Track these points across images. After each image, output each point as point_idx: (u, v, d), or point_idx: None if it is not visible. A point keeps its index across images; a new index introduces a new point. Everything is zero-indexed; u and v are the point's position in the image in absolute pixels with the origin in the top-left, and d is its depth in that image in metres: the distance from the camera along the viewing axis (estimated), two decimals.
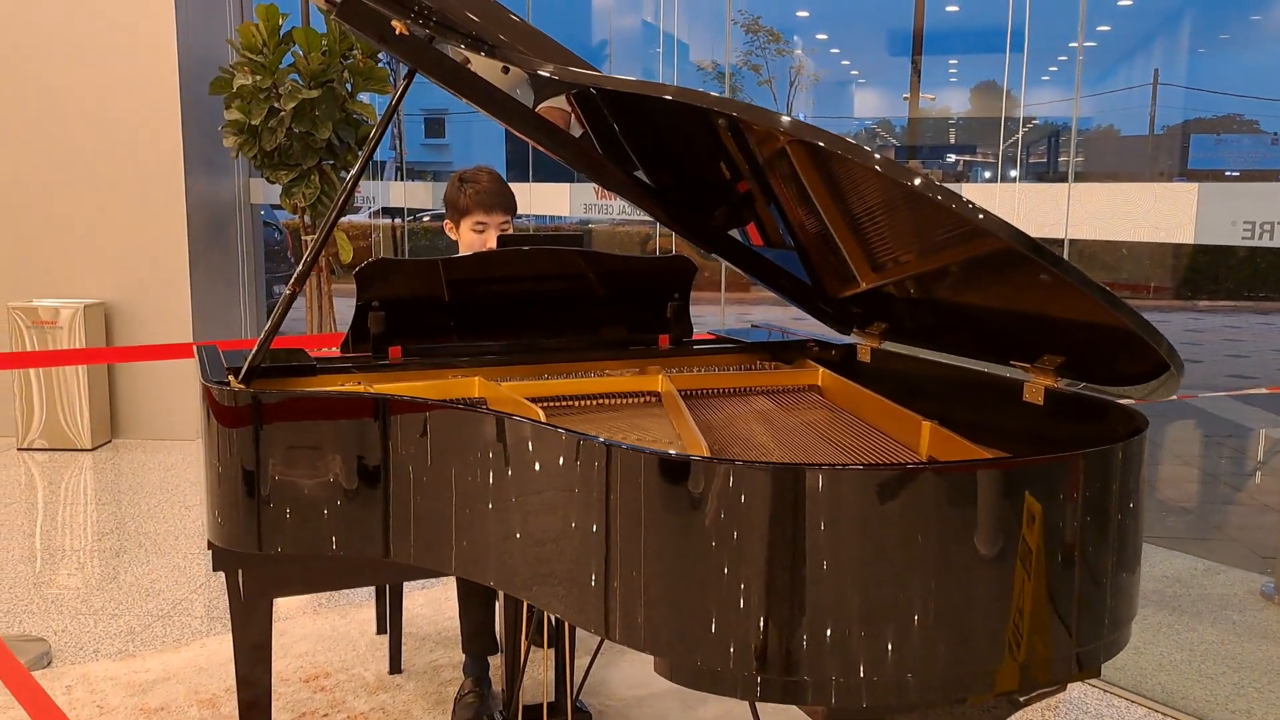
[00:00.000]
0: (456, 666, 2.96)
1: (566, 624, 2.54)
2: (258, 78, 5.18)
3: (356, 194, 5.57)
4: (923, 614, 1.46)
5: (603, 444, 1.54)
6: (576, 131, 2.45)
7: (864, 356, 2.43)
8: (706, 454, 1.71)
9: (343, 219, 5.55)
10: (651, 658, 1.55)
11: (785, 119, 1.57)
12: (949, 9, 10.04)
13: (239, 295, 6.21)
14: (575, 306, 2.48)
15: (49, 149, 5.50)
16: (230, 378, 1.99)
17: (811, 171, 2.09)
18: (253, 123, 5.21)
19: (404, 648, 3.01)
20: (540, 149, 2.29)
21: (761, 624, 1.46)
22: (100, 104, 5.45)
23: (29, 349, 5.31)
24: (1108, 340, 1.70)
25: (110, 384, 5.67)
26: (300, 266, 2.03)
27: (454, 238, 2.88)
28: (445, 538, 1.75)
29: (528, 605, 2.50)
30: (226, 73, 5.35)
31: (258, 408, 1.88)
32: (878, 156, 1.51)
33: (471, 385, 2.24)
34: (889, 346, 2.41)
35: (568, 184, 4.83)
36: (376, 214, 7.05)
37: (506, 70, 1.90)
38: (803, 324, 2.70)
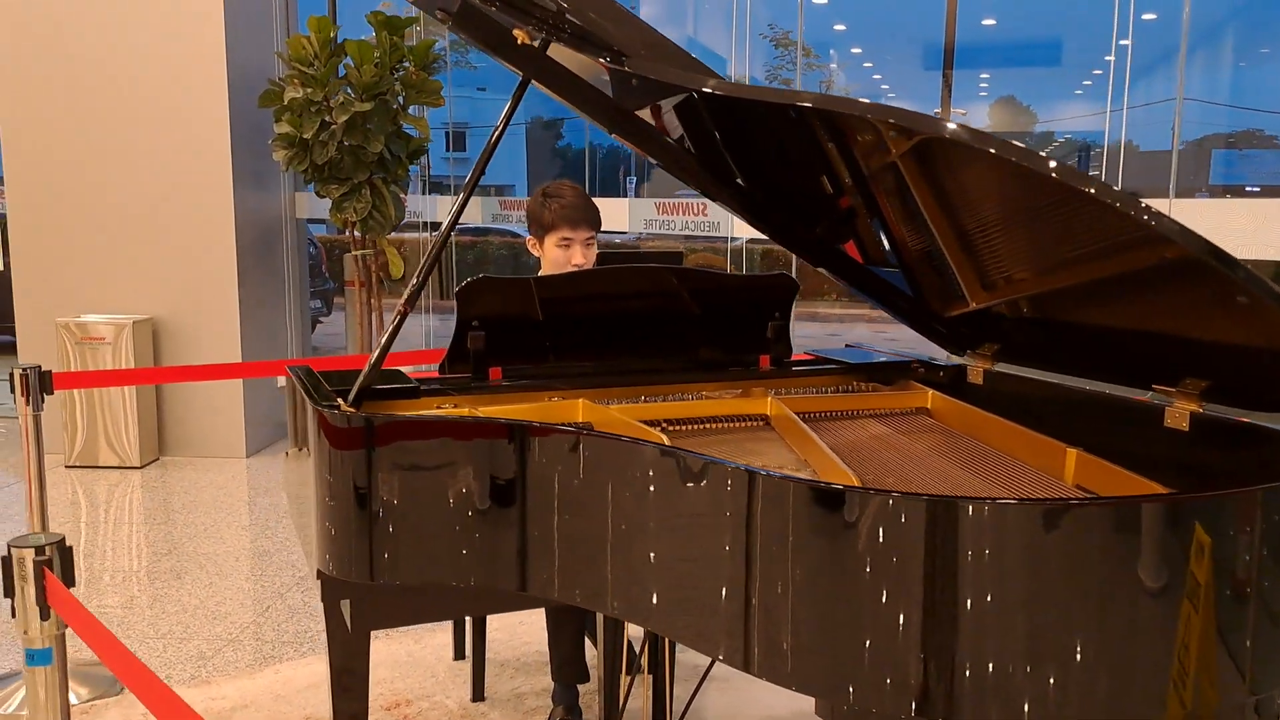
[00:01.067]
0: (540, 694, 2.88)
1: (666, 652, 2.46)
2: (308, 90, 5.14)
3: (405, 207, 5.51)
4: (1085, 653, 1.38)
5: (756, 473, 1.47)
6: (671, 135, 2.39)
7: (975, 378, 2.35)
8: (855, 483, 1.63)
9: (393, 234, 5.50)
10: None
11: (950, 125, 1.49)
12: (985, 22, 9.96)
13: (285, 311, 6.16)
14: (675, 326, 2.41)
15: (97, 163, 5.47)
16: (340, 401, 1.92)
17: (924, 184, 2.02)
18: (303, 136, 5.17)
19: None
20: (646, 157, 2.23)
21: (921, 661, 1.39)
22: (149, 117, 5.42)
23: (75, 366, 5.27)
24: (1274, 360, 1.62)
25: (158, 401, 5.63)
26: (412, 283, 1.97)
27: (537, 254, 2.82)
28: (591, 569, 1.68)
29: (627, 634, 2.42)
30: (276, 85, 5.31)
31: (371, 431, 1.81)
32: (1053, 163, 1.44)
33: (575, 408, 2.17)
34: (1000, 368, 2.33)
35: (626, 199, 4.76)
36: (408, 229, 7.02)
37: (635, 81, 1.83)
38: (894, 344, 2.62)
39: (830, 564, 1.43)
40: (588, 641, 2.74)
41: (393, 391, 2.09)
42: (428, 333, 7.16)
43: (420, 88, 5.22)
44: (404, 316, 1.97)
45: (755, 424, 2.22)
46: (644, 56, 1.77)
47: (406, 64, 5.26)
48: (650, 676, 2.46)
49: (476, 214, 6.22)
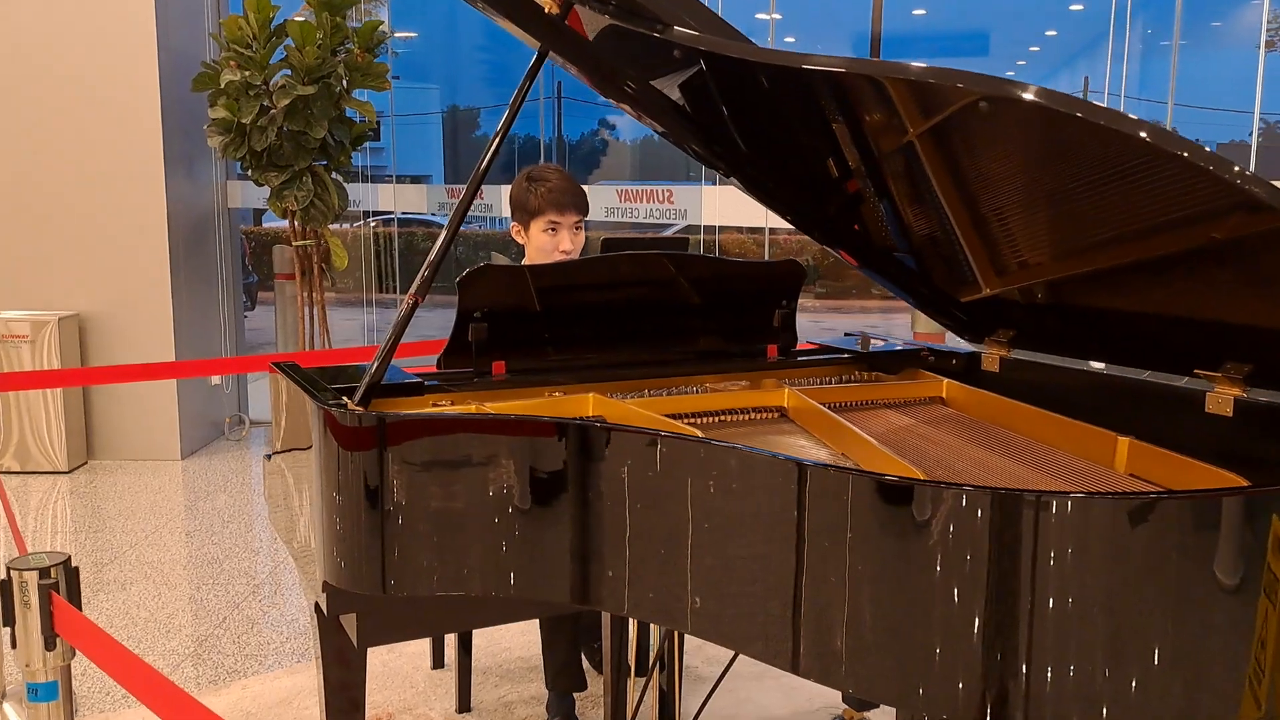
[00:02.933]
0: (529, 702, 2.75)
1: (676, 655, 2.35)
2: (247, 73, 4.90)
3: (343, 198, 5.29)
4: (1163, 653, 1.32)
5: (817, 466, 1.38)
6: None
7: (990, 365, 2.28)
8: (920, 476, 1.54)
9: (334, 224, 5.29)
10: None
11: (1031, 89, 1.40)
12: (916, 12, 10.03)
13: (218, 306, 5.89)
14: (681, 315, 2.30)
15: (17, 149, 5.14)
16: (346, 400, 1.77)
17: (940, 163, 1.95)
18: (241, 121, 4.92)
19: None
20: (669, 137, 2.11)
21: (998, 663, 1.32)
22: (74, 101, 5.11)
23: None
24: None
25: (85, 401, 5.32)
26: (421, 274, 1.82)
27: (521, 240, 2.69)
28: (665, 576, 1.55)
29: (636, 637, 2.31)
30: (210, 68, 5.05)
31: (386, 431, 1.66)
32: (1144, 130, 1.35)
33: (585, 402, 2.05)
34: (1015, 354, 2.27)
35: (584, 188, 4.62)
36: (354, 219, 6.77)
37: (677, 53, 1.72)
38: (873, 330, 2.55)
39: (896, 562, 1.35)
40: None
41: (394, 388, 1.95)
42: (366, 328, 6.93)
43: (365, 70, 5.02)
44: (413, 308, 1.82)
45: (771, 415, 2.13)
46: (691, 25, 1.66)
47: (349, 45, 5.04)
48: (658, 681, 2.35)
49: (420, 202, 6.02)
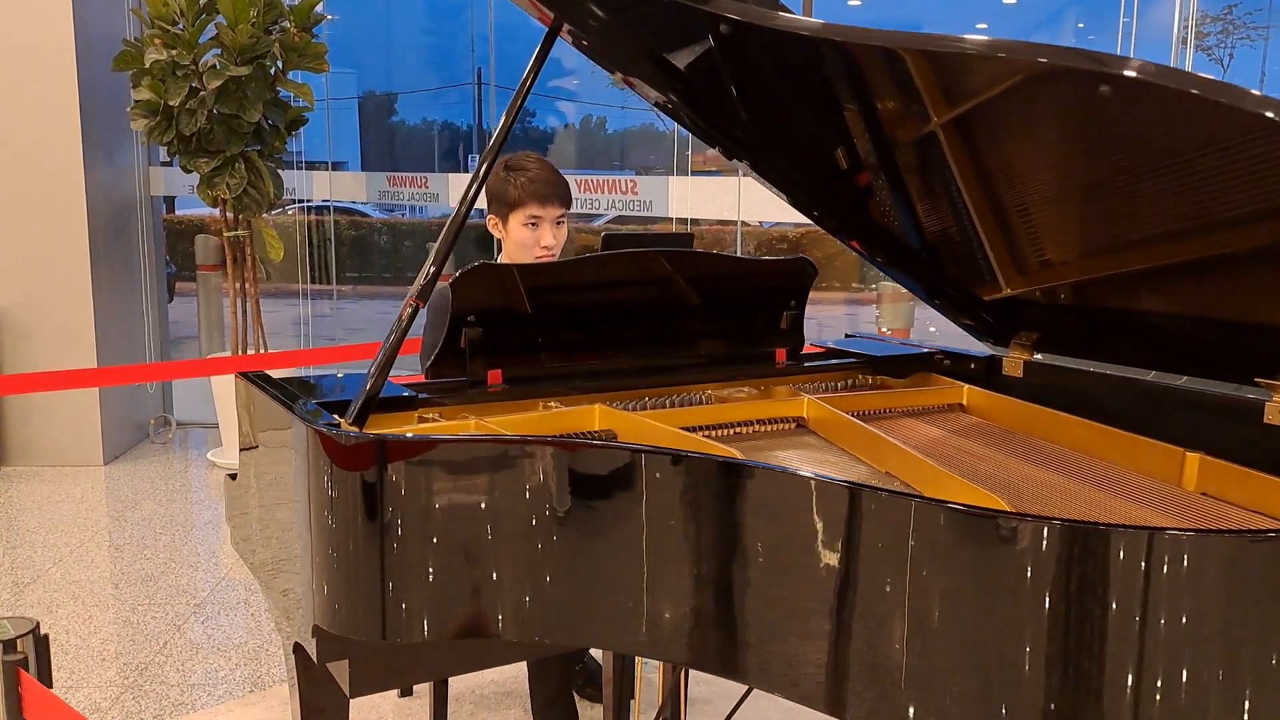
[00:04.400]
0: None
1: (683, 689, 2.18)
2: (174, 52, 4.57)
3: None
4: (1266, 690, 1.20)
5: (901, 496, 1.22)
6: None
7: (1013, 370, 2.15)
8: (1005, 506, 1.39)
9: (268, 214, 4.99)
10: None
11: (1145, 66, 1.25)
12: (852, 3, 9.97)
13: (141, 300, 5.55)
14: (687, 317, 2.13)
15: None
16: (341, 421, 1.56)
17: (962, 154, 1.82)
18: (169, 103, 4.60)
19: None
20: (682, 119, 1.94)
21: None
22: None
23: None
24: None
25: None
26: (426, 271, 1.62)
27: (498, 234, 2.48)
28: (743, 620, 1.37)
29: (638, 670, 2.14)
30: (132, 46, 4.71)
31: (382, 452, 1.46)
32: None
33: (591, 415, 1.87)
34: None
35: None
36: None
37: (725, 28, 1.54)
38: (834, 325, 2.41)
39: (989, 600, 1.20)
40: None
41: (386, 403, 1.74)
42: (301, 320, 6.62)
43: (302, 50, 4.72)
44: (415, 312, 1.62)
45: (788, 427, 1.96)
46: None
47: (285, 24, 4.74)
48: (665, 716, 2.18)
49: (360, 190, 5.74)
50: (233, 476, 2.01)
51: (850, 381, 2.21)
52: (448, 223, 1.67)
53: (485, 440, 1.49)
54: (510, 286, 1.90)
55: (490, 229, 2.52)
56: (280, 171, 5.02)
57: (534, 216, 2.39)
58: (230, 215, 4.96)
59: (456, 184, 5.17)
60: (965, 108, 1.74)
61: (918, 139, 1.92)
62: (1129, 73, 1.25)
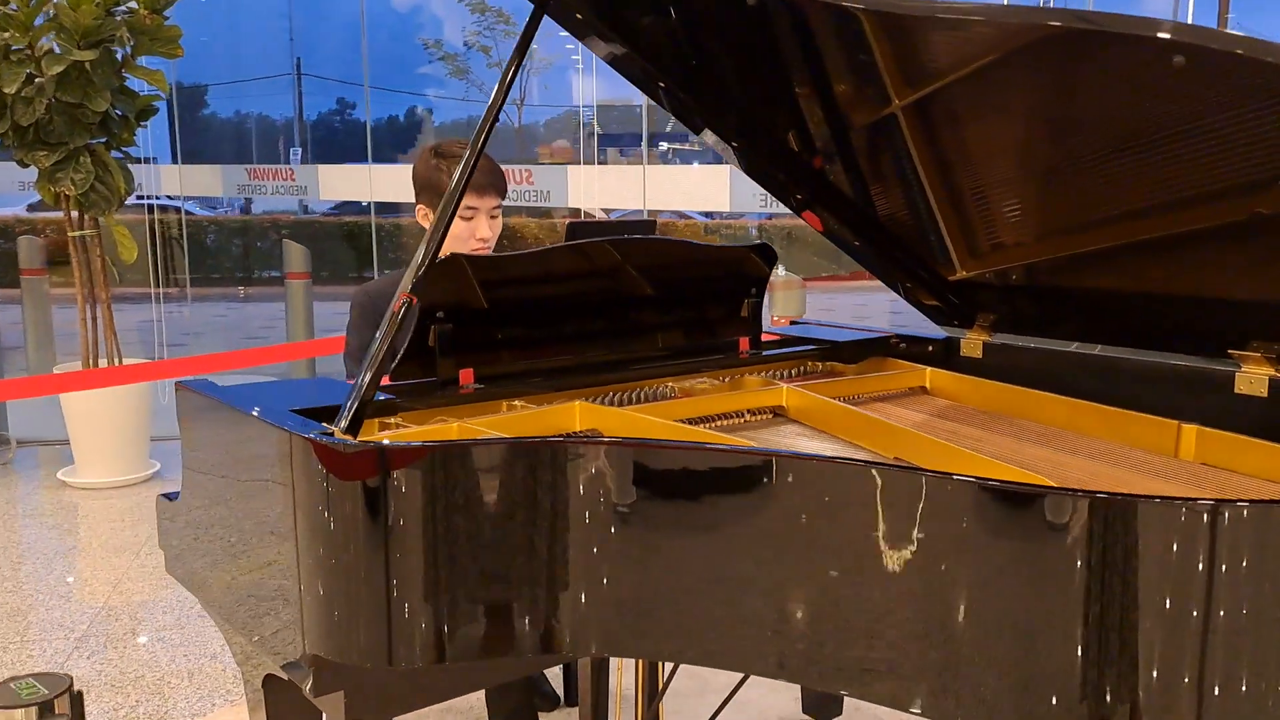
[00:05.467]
0: None
1: (660, 694, 2.10)
2: (7, 35, 4.17)
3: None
4: None
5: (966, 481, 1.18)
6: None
7: (972, 351, 2.17)
8: (1046, 482, 1.36)
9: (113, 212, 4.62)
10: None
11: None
12: None
13: None
14: (654, 307, 2.05)
15: None
16: (334, 429, 1.41)
17: (920, 136, 1.83)
18: (2, 90, 4.18)
19: None
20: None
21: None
22: None
23: None
24: None
25: None
26: (419, 263, 1.49)
27: (427, 225, 2.34)
28: (806, 625, 1.29)
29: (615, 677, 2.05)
30: None
31: (386, 461, 1.32)
32: None
33: (571, 412, 1.77)
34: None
35: (366, 165, 4.24)
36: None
37: None
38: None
39: (1042, 580, 1.17)
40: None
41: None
42: (147, 326, 6.17)
43: (154, 34, 4.38)
44: (410, 306, 1.48)
45: (766, 416, 1.91)
46: None
47: (132, 4, 4.39)
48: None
49: (216, 183, 5.38)
50: (169, 497, 1.81)
51: (802, 368, 2.18)
52: (436, 214, 1.54)
53: (527, 443, 1.37)
54: (481, 279, 1.78)
55: (420, 220, 2.37)
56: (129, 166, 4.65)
57: (469, 207, 2.26)
58: (75, 214, 4.56)
59: (328, 176, 4.91)
60: (936, 86, 1.74)
61: (878, 120, 1.90)
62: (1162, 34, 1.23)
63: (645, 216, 3.43)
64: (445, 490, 1.33)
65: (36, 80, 4.23)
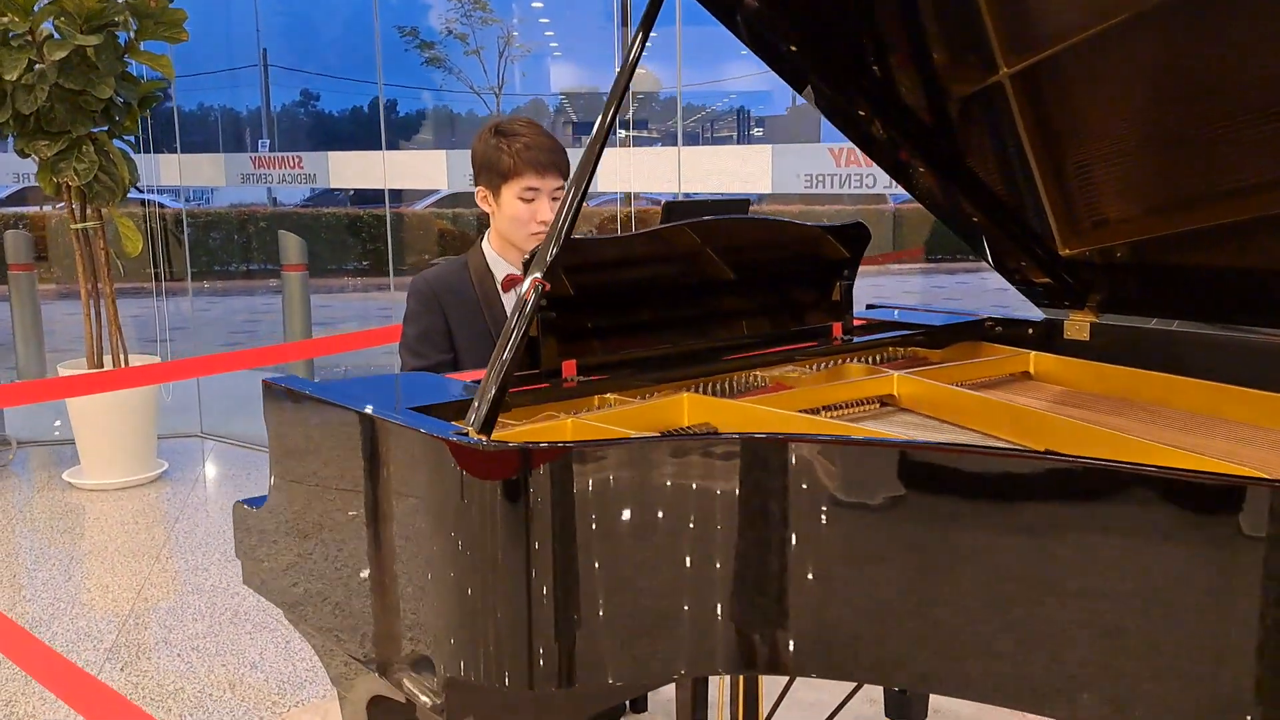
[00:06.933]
0: None
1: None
2: (6, 19, 3.99)
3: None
4: None
5: None
6: None
7: (1077, 334, 2.06)
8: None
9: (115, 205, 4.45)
10: None
11: None
12: None
13: None
14: (751, 292, 1.95)
15: None
16: (470, 430, 1.28)
17: (1027, 106, 1.73)
18: (3, 78, 4.01)
19: None
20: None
21: None
22: None
23: None
24: None
25: None
26: (548, 251, 1.37)
27: (487, 209, 2.21)
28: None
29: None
30: None
31: (528, 463, 1.21)
32: None
33: (680, 406, 1.66)
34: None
35: (444, 151, 4.09)
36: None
37: None
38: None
39: None
40: None
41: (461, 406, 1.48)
42: (148, 323, 5.99)
43: (158, 17, 4.21)
44: (542, 291, 1.36)
45: (873, 407, 1.81)
46: None
47: None
48: None
49: (219, 174, 5.21)
50: (250, 503, 1.68)
51: (879, 357, 2.07)
52: (564, 200, 1.42)
53: (727, 439, 1.25)
54: (587, 265, 1.66)
55: (479, 202, 2.24)
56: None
57: (531, 188, 2.13)
58: (76, 206, 4.39)
59: (338, 163, 4.75)
60: (1052, 51, 1.66)
61: (981, 90, 1.81)
62: None
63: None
64: (606, 495, 1.22)
65: (37, 67, 4.05)
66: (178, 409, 5.39)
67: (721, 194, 3.54)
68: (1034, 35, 1.70)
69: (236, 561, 1.71)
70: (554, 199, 2.16)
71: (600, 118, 1.45)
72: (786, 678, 1.99)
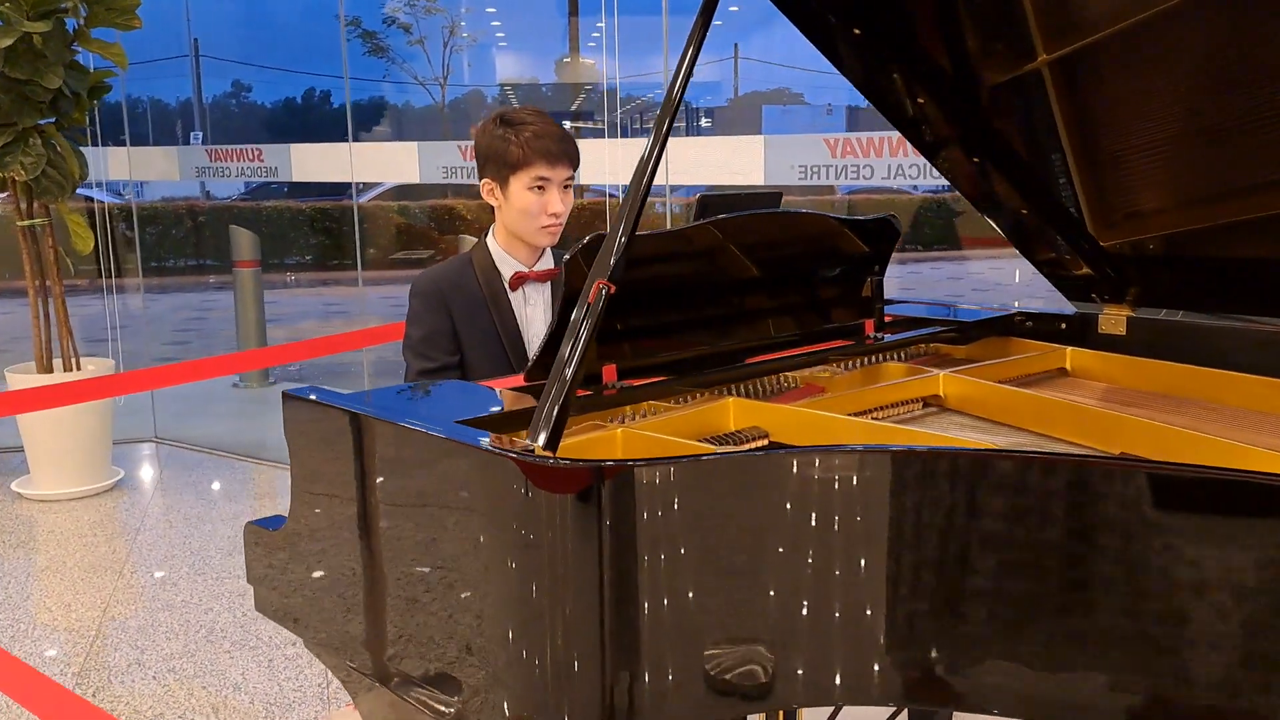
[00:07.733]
0: None
1: None
2: None
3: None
4: None
5: None
6: None
7: (1113, 328, 2.00)
8: None
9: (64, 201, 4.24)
10: None
11: None
12: None
13: None
14: (785, 289, 1.87)
15: None
16: (535, 445, 1.17)
17: (1064, 94, 1.67)
18: None
19: None
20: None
21: None
22: None
23: None
24: None
25: None
26: (611, 251, 1.26)
27: (494, 201, 2.09)
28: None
29: None
30: None
31: (600, 481, 1.10)
32: None
33: (725, 411, 1.57)
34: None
35: (415, 142, 3.93)
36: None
37: None
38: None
39: None
40: None
41: (513, 417, 1.37)
42: (95, 322, 5.74)
43: (110, 3, 3.99)
44: (605, 294, 1.25)
45: (915, 407, 1.73)
46: None
47: None
48: None
49: (173, 169, 4.99)
50: (265, 524, 1.55)
51: (903, 354, 1.99)
52: (627, 196, 1.32)
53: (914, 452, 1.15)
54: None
55: (485, 195, 2.12)
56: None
57: (540, 178, 2.02)
58: (23, 202, 4.17)
59: (300, 155, 4.56)
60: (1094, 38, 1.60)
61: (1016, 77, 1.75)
62: None
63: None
64: (700, 515, 1.12)
65: None
66: (129, 412, 5.17)
67: (716, 187, 3.46)
68: (1074, 22, 1.64)
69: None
70: (564, 189, 2.06)
71: (659, 114, 1.35)
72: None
